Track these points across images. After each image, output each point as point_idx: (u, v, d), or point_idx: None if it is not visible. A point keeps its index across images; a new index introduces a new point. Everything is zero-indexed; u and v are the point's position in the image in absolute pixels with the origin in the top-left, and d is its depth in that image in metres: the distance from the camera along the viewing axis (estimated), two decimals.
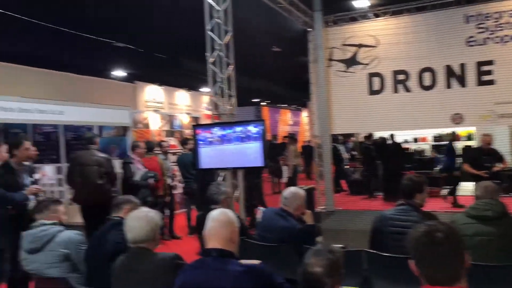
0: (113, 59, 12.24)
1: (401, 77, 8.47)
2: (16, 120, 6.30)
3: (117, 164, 6.44)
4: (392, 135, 10.50)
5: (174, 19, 9.06)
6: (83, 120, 7.39)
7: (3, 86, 9.61)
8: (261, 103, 20.32)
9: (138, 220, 2.55)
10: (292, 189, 3.64)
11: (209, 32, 5.93)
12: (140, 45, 11.03)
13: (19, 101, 6.16)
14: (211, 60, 5.95)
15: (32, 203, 4.36)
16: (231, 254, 2.19)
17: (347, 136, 13.86)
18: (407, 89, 8.44)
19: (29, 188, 4.51)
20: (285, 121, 21.07)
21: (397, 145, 10.49)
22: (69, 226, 3.50)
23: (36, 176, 6.11)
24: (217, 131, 5.51)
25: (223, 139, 5.44)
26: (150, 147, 6.99)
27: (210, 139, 5.54)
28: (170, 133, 10.34)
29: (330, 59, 9.08)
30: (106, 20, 9.00)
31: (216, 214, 2.28)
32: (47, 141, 8.50)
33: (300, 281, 1.92)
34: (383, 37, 8.57)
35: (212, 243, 2.20)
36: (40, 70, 10.69)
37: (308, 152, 13.93)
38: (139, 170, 6.17)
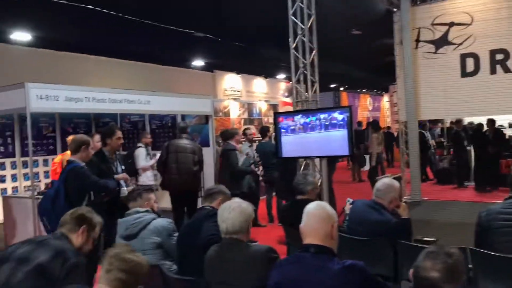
0: (193, 49, 12.53)
1: (500, 56, 7.68)
2: (107, 110, 6.63)
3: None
4: (492, 121, 9.63)
5: (251, 6, 9.00)
6: (167, 109, 7.61)
7: (96, 78, 10.25)
8: (340, 88, 19.79)
9: (231, 211, 2.52)
10: (386, 180, 3.41)
11: (292, 17, 5.77)
12: (218, 34, 11.16)
13: (110, 92, 6.47)
14: (293, 45, 5.81)
15: (124, 190, 4.55)
16: (329, 250, 2.07)
17: (434, 121, 13.03)
18: (507, 70, 7.65)
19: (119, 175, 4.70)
20: (365, 106, 20.35)
21: (497, 131, 9.63)
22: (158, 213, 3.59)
23: (151, 162, 6.45)
24: (300, 119, 5.37)
25: (306, 127, 5.29)
26: (227, 136, 7.04)
27: (292, 127, 5.41)
28: (249, 121, 10.37)
29: (418, 40, 8.50)
30: (186, 11, 9.17)
31: (313, 209, 2.16)
32: (134, 130, 8.92)
33: (412, 285, 1.74)
34: (479, 13, 7.82)
35: (310, 239, 2.10)
36: (128, 62, 11.24)
37: (388, 139, 13.33)
38: (241, 157, 6.25)
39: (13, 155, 8.61)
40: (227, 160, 6.14)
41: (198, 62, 13.74)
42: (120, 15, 8.93)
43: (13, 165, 8.62)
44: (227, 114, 9.73)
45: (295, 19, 5.79)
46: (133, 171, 6.60)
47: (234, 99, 11.32)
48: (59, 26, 9.33)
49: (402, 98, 8.79)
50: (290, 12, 5.80)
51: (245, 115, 10.33)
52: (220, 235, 2.56)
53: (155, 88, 9.76)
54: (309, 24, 5.75)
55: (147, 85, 10.70)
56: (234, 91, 13.25)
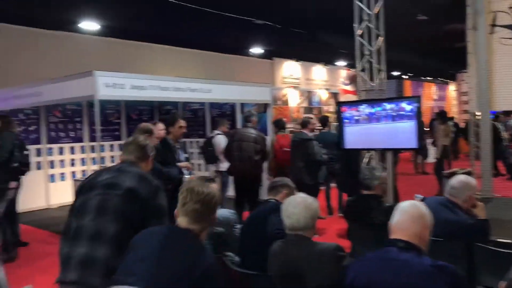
0: (252, 36, 12.48)
1: None
2: (171, 98, 6.77)
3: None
4: None
5: None
6: (228, 97, 7.64)
7: (159, 66, 10.49)
8: (402, 77, 18.99)
9: (296, 206, 2.44)
10: (461, 177, 3.16)
11: (357, 2, 5.52)
12: (278, 21, 11.01)
13: (173, 81, 6.58)
14: (358, 32, 5.57)
15: (187, 178, 4.60)
16: (419, 248, 1.94)
17: (508, 112, 12.14)
18: None
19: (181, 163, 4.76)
20: (429, 95, 19.39)
21: None
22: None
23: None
24: (365, 109, 5.14)
25: (371, 118, 5.06)
26: (282, 125, 6.93)
27: (356, 117, 5.20)
28: (309, 110, 10.19)
29: (493, 25, 7.87)
30: None
31: (406, 206, 2.04)
32: (195, 118, 9.06)
33: None
34: None
35: (397, 235, 1.98)
36: (189, 50, 11.40)
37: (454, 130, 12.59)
38: (316, 147, 6.14)
39: (82, 140, 9.08)
40: (305, 149, 5.97)
41: (257, 50, 13.68)
42: (183, 3, 9.03)
43: (82, 150, 9.08)
44: (285, 102, 9.62)
45: (360, 4, 5.54)
46: (214, 158, 6.75)
47: (293, 87, 11.15)
48: (125, 15, 9.61)
49: (473, 87, 8.21)
50: None
51: (305, 104, 10.15)
52: (285, 230, 2.49)
53: (215, 76, 9.84)
54: (376, 10, 5.47)
55: (206, 73, 10.82)
56: (293, 78, 13.04)
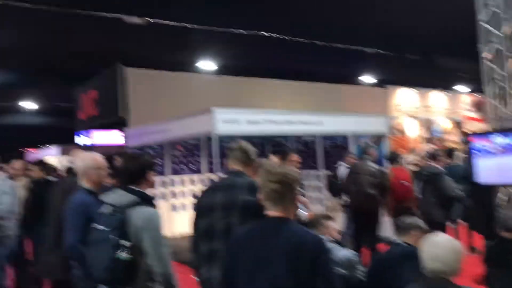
0: (363, 65, 12.25)
1: None
2: (283, 132, 6.83)
3: None
4: None
5: (427, 15, 8.38)
6: (340, 129, 7.48)
7: (272, 100, 10.72)
8: None
9: (443, 249, 2.25)
10: None
11: (483, 24, 5.07)
12: (389, 48, 10.68)
13: (285, 114, 6.65)
14: (487, 55, 5.09)
15: (303, 214, 4.52)
16: None
17: None
18: None
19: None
20: None
21: None
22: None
23: None
24: (498, 140, 4.62)
25: (508, 149, 4.52)
26: (395, 157, 6.51)
27: (489, 149, 4.69)
28: (429, 140, 9.52)
29: None
30: (355, 28, 9.01)
31: None
32: (307, 150, 8.99)
33: None
34: None
35: None
36: (300, 83, 11.52)
37: None
38: (448, 181, 5.73)
39: (200, 172, 9.54)
40: (436, 183, 5.54)
41: (369, 79, 13.33)
42: (292, 38, 9.24)
43: (201, 181, 9.54)
44: (402, 132, 9.11)
45: (488, 26, 5.07)
46: (338, 191, 6.62)
47: (410, 116, 10.52)
48: (236, 53, 10.14)
49: None
50: (481, 18, 5.10)
51: (424, 133, 9.51)
52: (421, 276, 2.28)
53: (325, 106, 9.76)
54: (509, 30, 4.95)
55: (317, 103, 10.78)
56: (409, 107, 12.34)
